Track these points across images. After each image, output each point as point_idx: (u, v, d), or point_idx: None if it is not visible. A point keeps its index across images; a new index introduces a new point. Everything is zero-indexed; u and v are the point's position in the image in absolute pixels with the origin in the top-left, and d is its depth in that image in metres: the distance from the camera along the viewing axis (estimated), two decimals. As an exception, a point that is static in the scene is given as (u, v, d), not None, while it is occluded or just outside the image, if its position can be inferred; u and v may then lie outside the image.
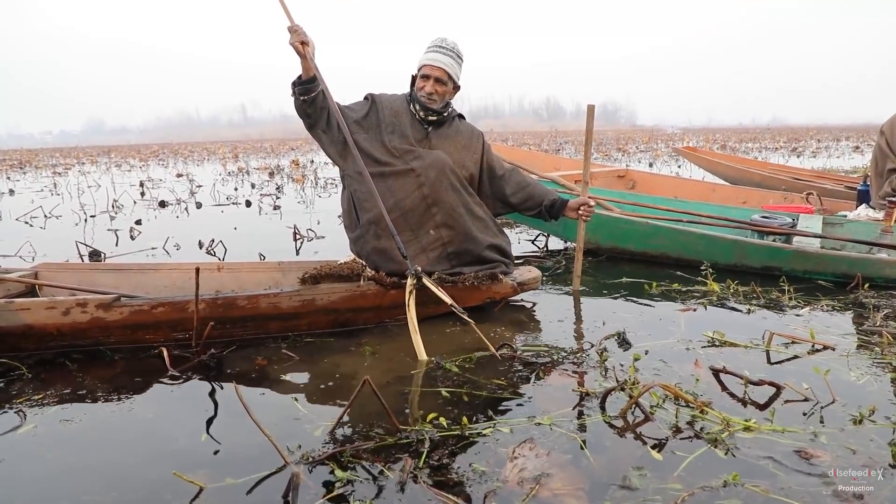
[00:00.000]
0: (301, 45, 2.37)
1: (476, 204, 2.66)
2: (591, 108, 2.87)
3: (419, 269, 2.34)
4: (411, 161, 2.53)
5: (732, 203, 4.83)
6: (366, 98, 2.69)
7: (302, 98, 2.47)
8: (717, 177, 7.36)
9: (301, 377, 2.03)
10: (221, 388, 1.96)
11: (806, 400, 1.76)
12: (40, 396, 1.90)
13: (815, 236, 3.36)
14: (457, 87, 2.67)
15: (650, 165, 11.87)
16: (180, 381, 2.01)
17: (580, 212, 2.80)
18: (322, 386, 1.95)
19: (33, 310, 2.15)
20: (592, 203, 2.83)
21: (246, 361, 2.16)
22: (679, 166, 11.34)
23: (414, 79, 2.65)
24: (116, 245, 4.65)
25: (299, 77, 2.45)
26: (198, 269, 2.15)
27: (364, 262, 2.52)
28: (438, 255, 2.56)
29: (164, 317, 2.24)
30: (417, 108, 2.61)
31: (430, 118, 2.62)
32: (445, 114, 2.66)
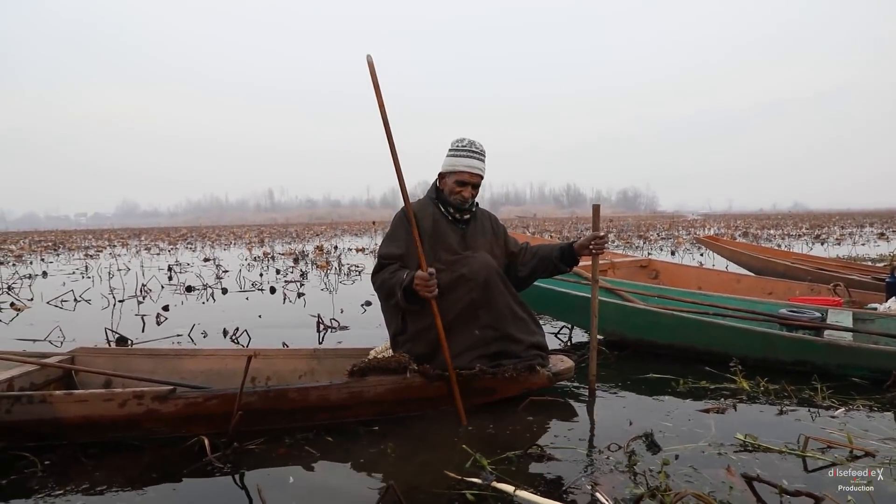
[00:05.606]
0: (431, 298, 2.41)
1: (517, 303, 2.68)
2: (596, 208, 2.88)
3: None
4: (460, 268, 2.58)
5: (758, 295, 4.78)
6: (404, 216, 2.66)
7: (407, 307, 2.52)
8: (741, 266, 7.32)
9: (322, 478, 2.00)
10: (241, 487, 1.93)
11: (848, 513, 1.67)
12: (61, 491, 1.89)
13: (847, 330, 3.29)
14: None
15: (672, 254, 11.86)
16: (193, 476, 1.99)
17: (592, 245, 2.71)
18: (342, 491, 1.92)
19: (91, 402, 2.17)
20: (602, 234, 2.71)
21: (267, 459, 2.14)
22: (702, 255, 11.31)
23: (440, 177, 2.76)
24: (143, 331, 4.72)
25: (412, 292, 2.44)
26: (250, 357, 2.22)
27: (409, 356, 2.54)
28: (480, 353, 2.56)
29: (218, 409, 2.25)
30: (451, 210, 2.71)
31: (465, 217, 2.73)
32: (474, 209, 2.77)
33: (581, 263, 3.09)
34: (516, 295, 2.71)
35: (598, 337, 3.84)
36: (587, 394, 2.82)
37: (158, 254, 15.68)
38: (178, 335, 4.48)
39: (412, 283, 2.43)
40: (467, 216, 2.75)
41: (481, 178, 2.72)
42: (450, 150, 2.74)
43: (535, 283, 3.55)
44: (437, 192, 2.76)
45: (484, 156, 2.73)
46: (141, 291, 7.03)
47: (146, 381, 2.59)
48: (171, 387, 2.24)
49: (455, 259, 2.62)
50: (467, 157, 2.68)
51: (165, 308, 5.81)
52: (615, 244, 15.07)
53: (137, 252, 16.63)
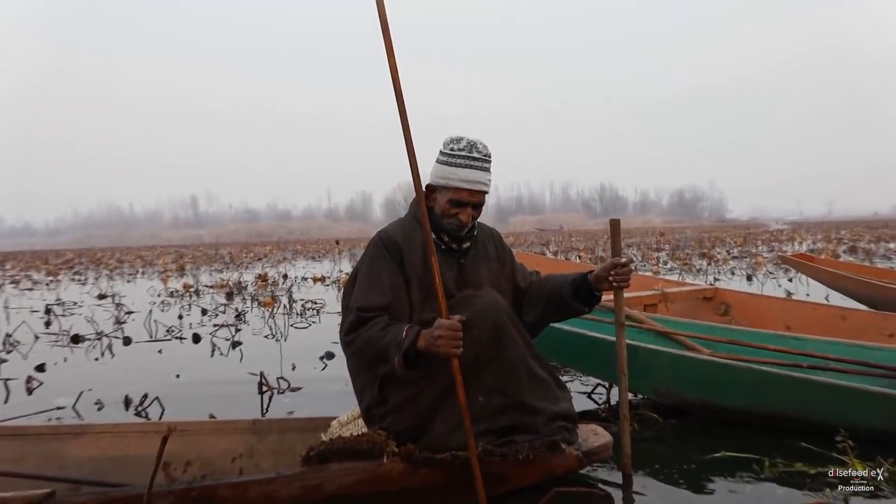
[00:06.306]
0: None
1: (533, 357, 2.67)
2: (615, 224, 2.90)
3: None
4: (461, 311, 2.54)
5: (874, 337, 4.74)
6: (383, 247, 2.68)
7: (405, 375, 2.48)
8: (847, 296, 7.33)
9: None
10: None
11: None
12: None
13: None
14: None
15: (748, 280, 11.90)
16: None
17: (611, 277, 2.74)
18: None
19: None
20: (624, 259, 2.76)
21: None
22: (790, 280, 11.35)
23: (428, 190, 2.73)
24: (6, 402, 4.68)
25: (415, 348, 2.44)
26: (165, 436, 2.11)
27: (386, 433, 2.52)
28: (485, 428, 2.53)
29: None
30: (446, 239, 2.70)
31: (464, 246, 2.74)
32: (475, 232, 2.77)
33: (605, 299, 3.07)
34: (532, 345, 2.69)
35: (645, 397, 3.84)
36: (630, 481, 2.80)
37: (31, 289, 15.61)
38: (60, 408, 4.41)
39: (416, 340, 2.41)
40: (466, 244, 2.74)
41: (485, 193, 2.71)
42: (441, 153, 2.71)
43: (560, 324, 3.54)
44: (429, 212, 2.73)
45: (489, 162, 2.70)
46: (4, 344, 6.97)
47: (9, 475, 2.53)
48: (48, 489, 2.17)
49: (452, 302, 2.58)
50: (466, 166, 2.64)
51: (40, 368, 5.77)
52: (667, 266, 15.10)
53: (0, 286, 16.51)
